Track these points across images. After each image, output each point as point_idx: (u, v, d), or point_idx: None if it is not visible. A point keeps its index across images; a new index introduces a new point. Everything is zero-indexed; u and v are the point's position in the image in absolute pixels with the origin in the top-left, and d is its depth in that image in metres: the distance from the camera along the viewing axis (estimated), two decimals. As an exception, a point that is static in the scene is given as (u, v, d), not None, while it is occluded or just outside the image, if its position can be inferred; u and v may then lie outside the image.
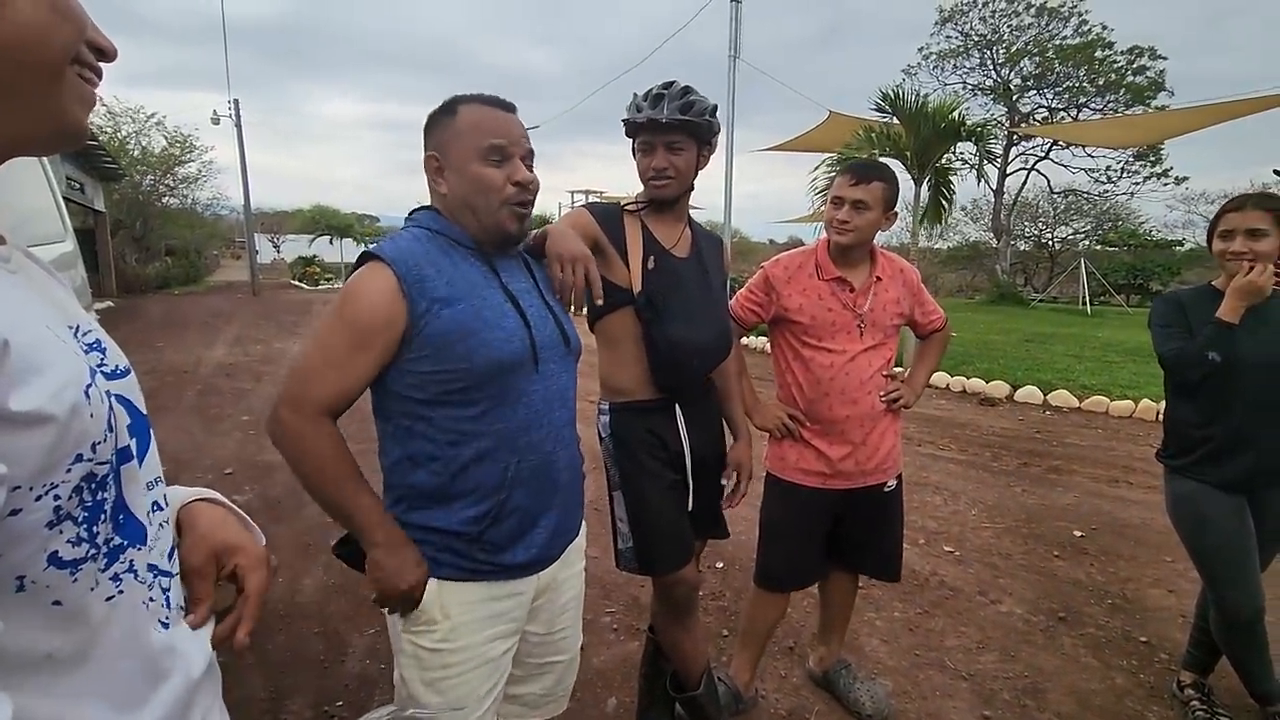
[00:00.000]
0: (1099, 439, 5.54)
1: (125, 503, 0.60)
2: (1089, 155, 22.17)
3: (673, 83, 1.66)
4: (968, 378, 7.36)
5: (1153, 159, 21.42)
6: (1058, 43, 21.14)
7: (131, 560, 0.59)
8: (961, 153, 9.08)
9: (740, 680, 2.23)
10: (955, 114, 7.70)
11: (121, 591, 0.58)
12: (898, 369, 2.20)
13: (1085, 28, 20.81)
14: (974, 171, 9.14)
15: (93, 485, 0.55)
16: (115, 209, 19.56)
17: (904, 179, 8.30)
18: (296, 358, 1.27)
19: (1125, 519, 3.88)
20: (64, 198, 3.58)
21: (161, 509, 0.67)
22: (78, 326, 0.61)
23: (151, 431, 0.67)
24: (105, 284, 17.37)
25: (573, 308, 1.44)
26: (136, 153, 20.40)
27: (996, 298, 18.58)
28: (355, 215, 30.31)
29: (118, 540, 0.58)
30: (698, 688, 1.87)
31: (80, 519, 0.54)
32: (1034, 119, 22.62)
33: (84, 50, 0.58)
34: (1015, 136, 21.24)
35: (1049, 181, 23.41)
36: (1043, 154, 22.66)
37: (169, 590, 0.65)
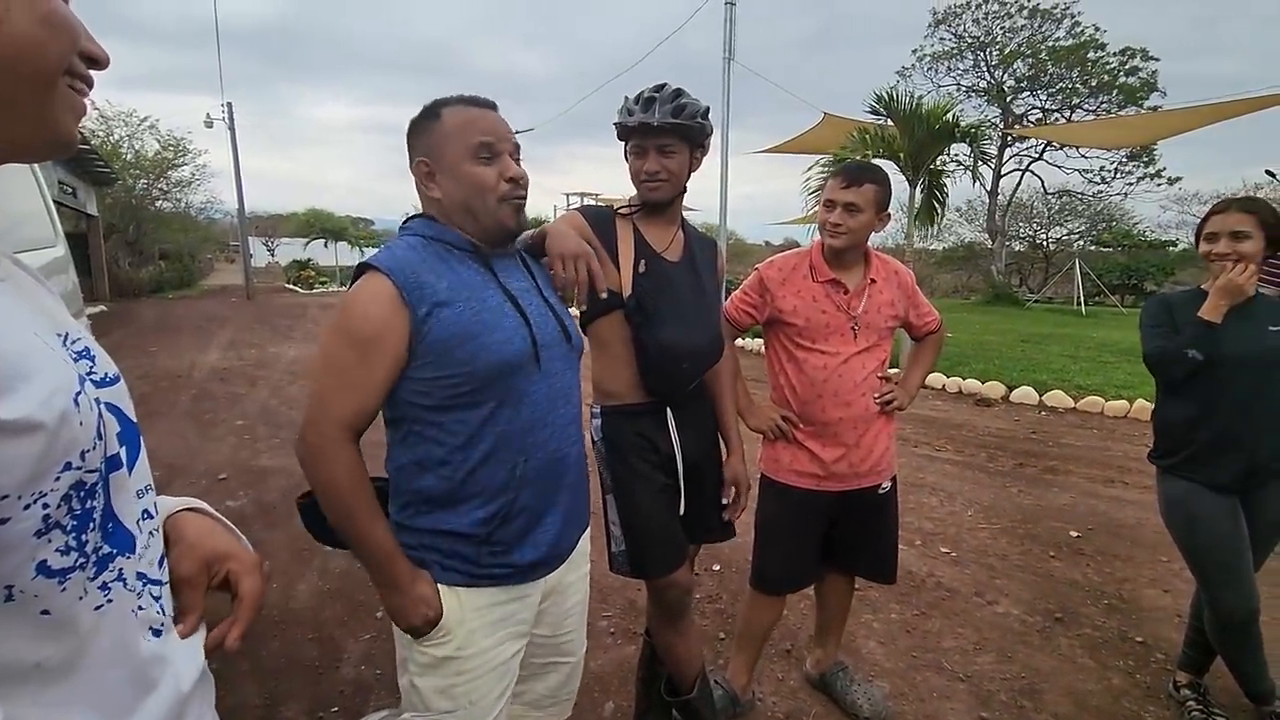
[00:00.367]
0: (1094, 439, 5.55)
1: (114, 511, 0.59)
2: (1083, 156, 22.27)
3: (664, 85, 1.66)
4: (963, 378, 7.37)
5: (1146, 160, 21.52)
6: (1050, 44, 21.23)
7: (121, 569, 0.59)
8: (956, 154, 9.13)
9: (737, 683, 2.22)
10: (949, 115, 7.73)
11: (110, 600, 0.58)
12: (893, 369, 2.20)
13: (1078, 29, 20.91)
14: (969, 173, 9.18)
15: (81, 494, 0.55)
16: (108, 213, 19.48)
17: (898, 180, 8.33)
18: (310, 383, 1.28)
19: (1121, 519, 3.89)
20: (56, 202, 3.57)
21: (151, 516, 0.67)
22: (66, 334, 0.61)
23: (141, 439, 0.66)
24: (98, 288, 17.29)
25: (575, 306, 1.44)
26: (129, 156, 20.33)
27: (992, 298, 18.63)
28: (350, 218, 30.25)
29: (107, 549, 0.58)
30: (692, 691, 1.86)
31: (69, 528, 0.54)
32: (1028, 120, 22.71)
33: (76, 61, 0.57)
34: (1009, 138, 21.31)
35: (1043, 182, 23.55)
36: (1037, 155, 22.75)
37: (160, 598, 0.65)
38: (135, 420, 0.66)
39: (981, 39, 22.11)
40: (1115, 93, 20.85)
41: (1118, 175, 22.30)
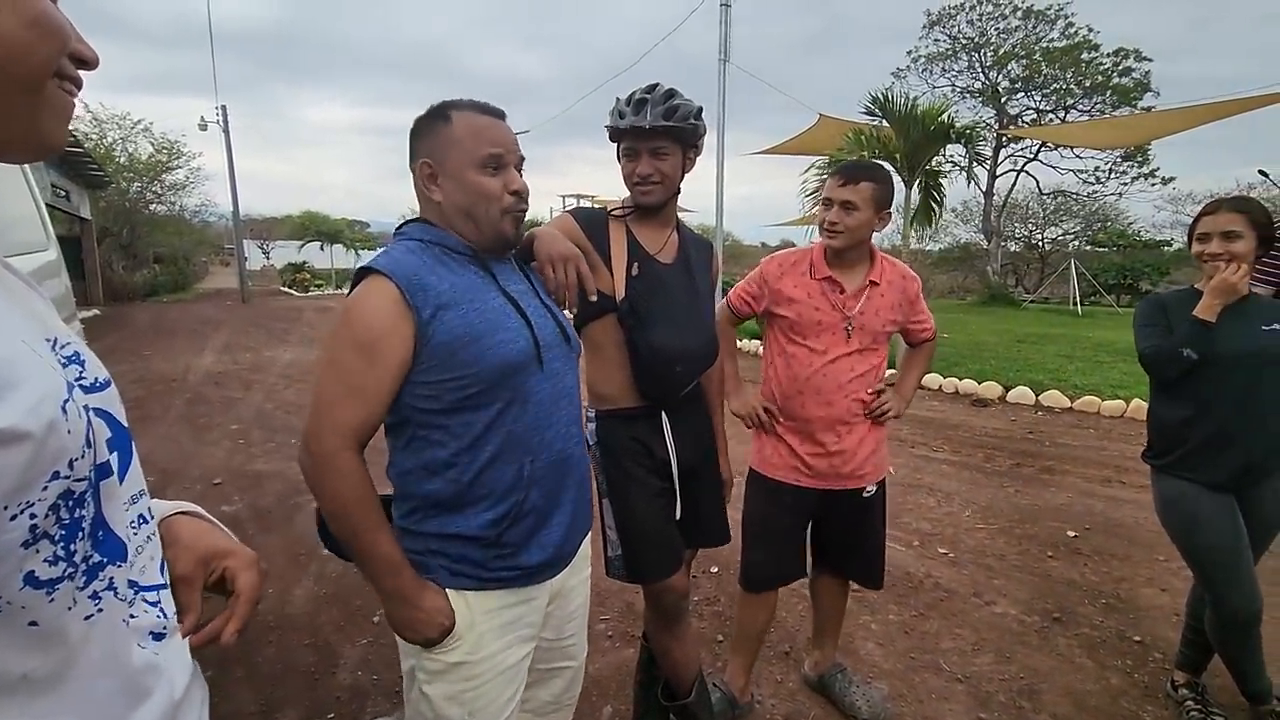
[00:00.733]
0: (1091, 439, 5.56)
1: (105, 519, 0.58)
2: (1077, 156, 22.34)
3: (656, 86, 1.64)
4: (960, 379, 7.38)
5: (1140, 160, 21.60)
6: (1044, 45, 21.31)
7: (111, 578, 0.58)
8: (951, 155, 9.15)
9: (735, 685, 2.21)
10: (944, 116, 7.76)
11: (100, 610, 0.57)
12: (891, 370, 2.19)
13: (1071, 30, 21.00)
14: (964, 173, 9.20)
15: (70, 503, 0.54)
16: (102, 216, 19.40)
17: (894, 181, 8.36)
18: (313, 392, 1.28)
19: (1118, 519, 3.89)
20: (49, 205, 3.55)
21: (147, 521, 0.66)
22: (55, 339, 0.60)
23: (134, 445, 0.66)
24: (92, 292, 17.22)
25: (566, 309, 1.44)
26: (123, 159, 20.25)
27: (988, 299, 18.67)
28: (345, 221, 30.20)
29: (97, 558, 0.57)
30: (689, 695, 1.85)
31: (57, 537, 0.53)
32: (1022, 121, 22.79)
33: (65, 63, 0.57)
34: (1004, 138, 21.37)
35: (1038, 183, 23.61)
36: (1031, 155, 22.81)
37: (159, 603, 0.64)
38: (126, 425, 0.65)
39: (976, 40, 22.19)
40: (1109, 93, 20.93)
41: (1112, 175, 22.39)
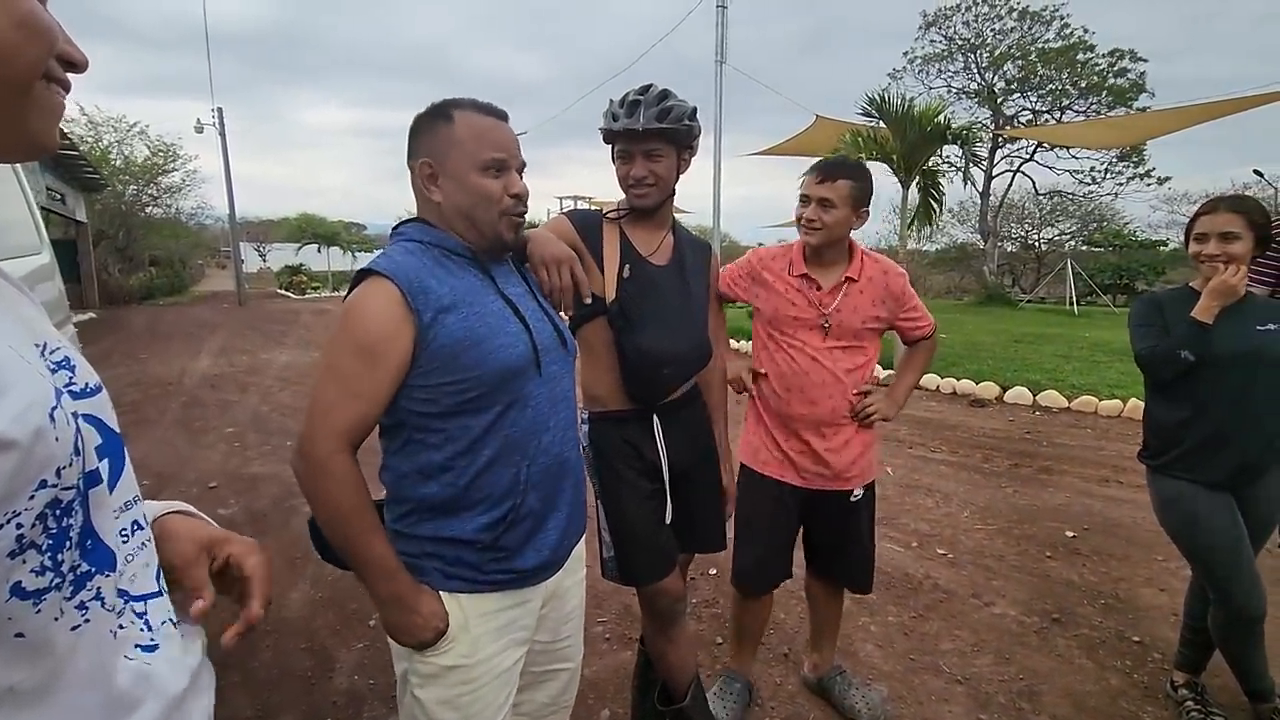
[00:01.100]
0: (1089, 439, 5.57)
1: (93, 528, 0.57)
2: (1073, 157, 22.41)
3: (649, 87, 1.63)
4: (957, 379, 7.38)
5: (1135, 160, 21.67)
6: (1040, 46, 21.37)
7: (99, 588, 0.57)
8: (948, 155, 9.16)
9: (746, 672, 2.28)
10: (940, 117, 7.76)
11: (88, 620, 0.56)
12: (888, 371, 2.18)
13: (1067, 31, 21.06)
14: (960, 174, 9.21)
15: (58, 512, 0.53)
16: (98, 219, 19.37)
17: (891, 182, 8.36)
18: (311, 394, 1.28)
19: (1116, 518, 3.89)
20: (44, 208, 3.54)
21: (142, 527, 0.65)
22: (45, 344, 0.59)
23: (125, 450, 0.64)
24: (88, 295, 17.18)
25: (562, 311, 1.43)
26: (119, 162, 20.23)
27: (984, 299, 18.69)
28: (342, 223, 30.14)
29: (85, 567, 0.56)
30: (685, 700, 1.84)
31: (44, 547, 0.52)
32: (1018, 121, 22.85)
33: (54, 64, 0.56)
34: (1000, 139, 21.42)
35: (1034, 183, 23.66)
36: (1027, 156, 22.87)
37: (145, 614, 0.62)
38: (118, 431, 0.64)
39: (972, 41, 22.24)
40: (1105, 94, 20.99)
41: (1108, 176, 22.45)
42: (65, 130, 14.30)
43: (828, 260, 1.98)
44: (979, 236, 23.28)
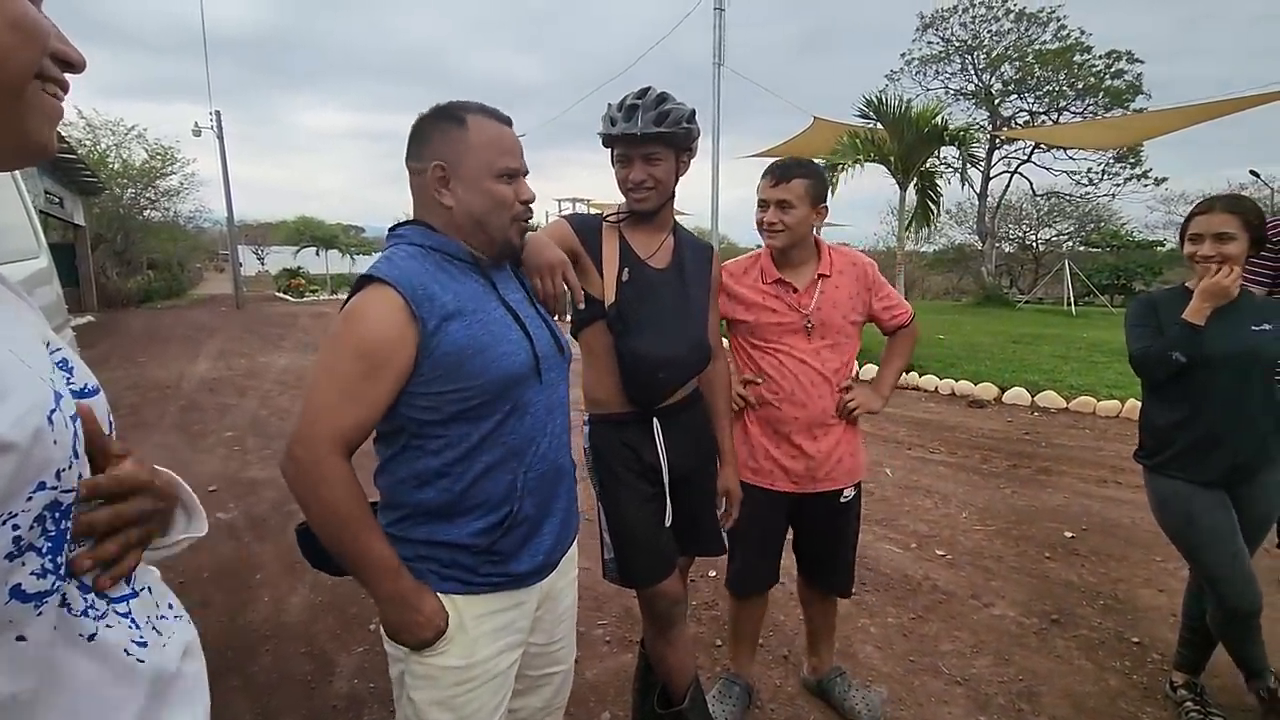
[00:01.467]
0: (1087, 439, 5.58)
1: None
2: (1070, 158, 22.45)
3: (647, 90, 1.63)
4: (956, 380, 7.39)
5: (1132, 161, 21.72)
6: (1037, 47, 21.42)
7: (65, 594, 0.56)
8: (945, 157, 9.18)
9: (746, 674, 2.27)
10: (938, 119, 7.78)
11: (55, 627, 0.55)
12: (872, 367, 2.18)
13: (1063, 32, 21.12)
14: (957, 175, 9.23)
15: (56, 514, 0.53)
16: (96, 222, 19.36)
17: (888, 183, 8.37)
18: (306, 396, 1.27)
19: (1115, 519, 3.90)
20: (42, 212, 3.54)
21: None
22: (48, 343, 0.60)
23: None
24: (86, 298, 17.16)
25: (558, 315, 1.44)
26: (117, 166, 20.23)
27: (982, 300, 18.72)
28: (340, 226, 30.14)
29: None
30: (684, 702, 1.84)
31: (44, 550, 0.52)
32: (1015, 122, 22.89)
33: (48, 65, 0.55)
34: (998, 140, 21.47)
35: (1032, 184, 23.72)
36: (1025, 157, 22.92)
37: (129, 614, 0.62)
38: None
39: (969, 42, 22.30)
40: (1101, 95, 21.04)
41: (1105, 176, 22.50)
42: (63, 134, 14.29)
43: (797, 261, 1.98)
44: (977, 237, 23.32)
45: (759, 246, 2.08)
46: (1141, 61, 20.79)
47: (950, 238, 24.86)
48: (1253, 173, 18.10)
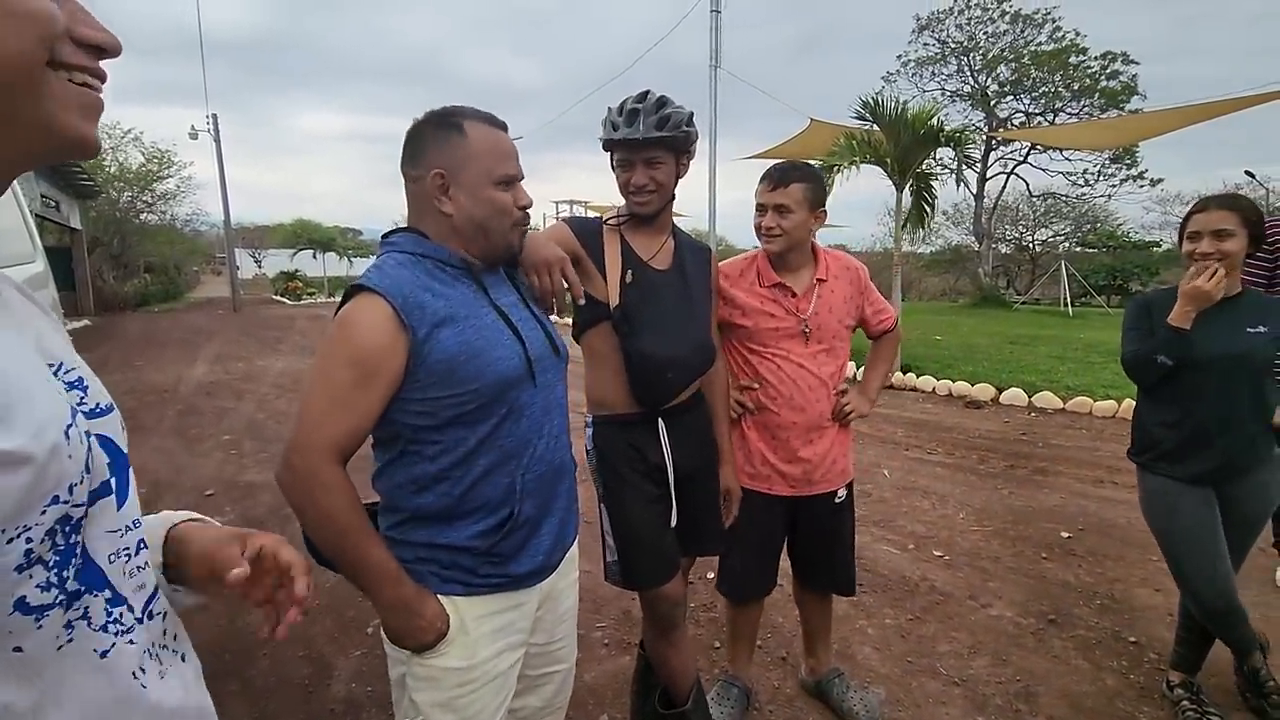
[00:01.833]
0: (1084, 439, 5.59)
1: (87, 547, 0.57)
2: (1066, 159, 22.50)
3: (647, 94, 1.64)
4: (953, 380, 7.41)
5: (1128, 161, 21.77)
6: (1033, 49, 21.47)
7: (86, 607, 0.57)
8: (941, 158, 9.19)
9: (744, 675, 2.27)
10: (934, 120, 7.77)
11: (72, 640, 0.55)
12: (860, 371, 2.19)
13: (1059, 34, 21.17)
14: (954, 176, 9.24)
15: (66, 529, 0.53)
16: (92, 226, 19.33)
17: (885, 185, 8.38)
18: (301, 402, 1.28)
19: (1111, 519, 3.91)
20: (38, 216, 3.53)
21: (145, 548, 0.65)
22: (60, 364, 0.59)
23: (130, 472, 0.64)
24: (82, 302, 17.12)
25: (555, 313, 1.44)
26: (113, 169, 20.19)
27: (979, 300, 18.75)
28: (338, 228, 30.13)
29: (75, 585, 0.56)
30: (687, 703, 1.85)
31: (51, 563, 0.52)
32: (1011, 124, 22.94)
33: (68, 51, 0.52)
34: (994, 141, 21.51)
35: (1028, 185, 23.76)
36: (1021, 158, 22.97)
37: (137, 636, 0.61)
38: (126, 451, 0.64)
39: (965, 44, 22.35)
40: (1097, 96, 21.10)
41: (1101, 177, 22.55)
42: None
43: (795, 265, 1.99)
44: (973, 239, 23.36)
45: (756, 247, 2.08)
46: (1137, 62, 20.88)
47: (947, 239, 24.90)
48: (1248, 173, 18.15)
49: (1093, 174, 22.58)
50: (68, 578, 0.54)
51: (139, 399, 7.26)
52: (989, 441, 5.56)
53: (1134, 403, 2.19)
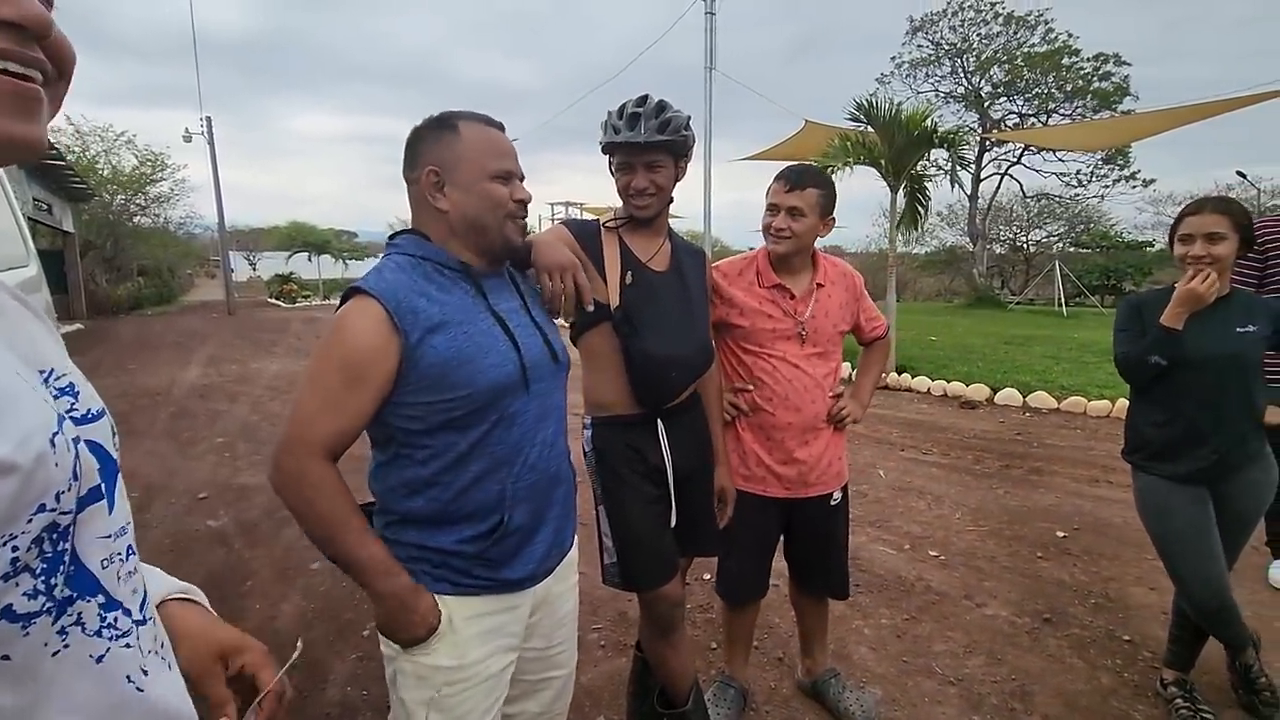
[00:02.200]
0: (1078, 439, 5.61)
1: (78, 553, 0.56)
2: (1059, 160, 22.61)
3: (646, 98, 1.65)
4: (948, 381, 7.43)
5: (1121, 162, 21.89)
6: (1026, 50, 21.58)
7: (80, 613, 0.56)
8: (936, 159, 9.22)
9: (741, 677, 2.28)
10: (928, 121, 7.80)
11: (67, 646, 0.55)
12: (854, 373, 2.20)
13: (1051, 35, 21.29)
14: (948, 178, 9.27)
15: (54, 536, 0.52)
16: (85, 229, 19.23)
17: (880, 186, 8.40)
18: (294, 402, 1.29)
19: (1106, 518, 3.92)
20: (31, 219, 3.51)
21: (134, 553, 0.64)
22: (51, 370, 0.59)
23: (119, 477, 0.63)
24: (75, 306, 17.04)
25: (562, 318, 1.44)
26: (106, 172, 20.08)
27: (974, 301, 18.83)
28: (333, 231, 29.99)
29: (68, 592, 0.55)
30: (686, 703, 1.85)
31: (38, 571, 0.51)
32: (1005, 125, 23.04)
33: None
34: (988, 142, 21.60)
35: (1022, 186, 23.87)
36: (1015, 159, 23.07)
37: (136, 642, 0.61)
38: (116, 458, 0.63)
39: (958, 46, 22.44)
40: (1089, 97, 21.22)
41: (1094, 178, 22.67)
42: (52, 140, 14.19)
43: (796, 268, 1.99)
44: (968, 239, 23.44)
45: (752, 249, 2.08)
46: (1129, 64, 21.01)
47: (942, 239, 25.00)
48: (1239, 173, 18.29)
49: (1086, 175, 22.71)
50: (56, 585, 0.53)
51: (131, 402, 7.23)
52: (984, 441, 5.58)
53: (1127, 402, 2.21)
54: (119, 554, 0.61)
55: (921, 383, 7.56)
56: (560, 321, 1.48)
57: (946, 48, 22.65)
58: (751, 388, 1.99)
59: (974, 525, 3.85)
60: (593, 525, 1.79)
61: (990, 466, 4.93)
